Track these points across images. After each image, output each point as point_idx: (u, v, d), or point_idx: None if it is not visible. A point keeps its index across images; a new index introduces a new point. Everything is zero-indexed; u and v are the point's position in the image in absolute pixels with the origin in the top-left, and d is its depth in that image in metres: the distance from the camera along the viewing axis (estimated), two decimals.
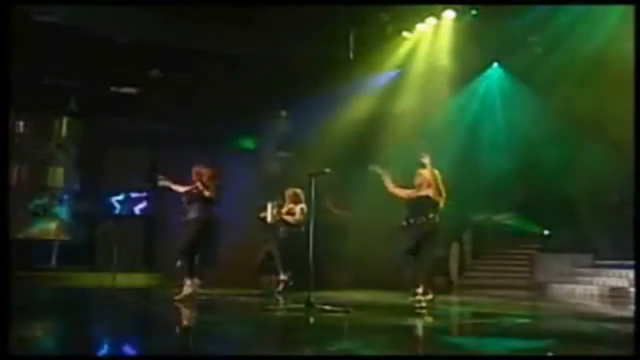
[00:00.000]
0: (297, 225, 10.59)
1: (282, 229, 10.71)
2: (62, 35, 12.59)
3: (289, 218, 10.66)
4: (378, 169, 8.75)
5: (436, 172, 8.50)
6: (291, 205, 10.77)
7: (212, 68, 14.50)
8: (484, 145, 15.07)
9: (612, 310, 9.77)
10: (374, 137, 15.62)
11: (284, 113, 16.40)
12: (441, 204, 8.37)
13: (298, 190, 10.79)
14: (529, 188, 14.52)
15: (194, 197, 8.91)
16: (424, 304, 8.08)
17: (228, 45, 14.02)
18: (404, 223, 8.38)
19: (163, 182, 9.23)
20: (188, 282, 8.80)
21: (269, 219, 10.71)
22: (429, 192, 8.33)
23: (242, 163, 14.75)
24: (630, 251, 10.48)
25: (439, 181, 8.40)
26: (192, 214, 8.90)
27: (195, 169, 9.05)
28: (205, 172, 9.05)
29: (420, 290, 8.26)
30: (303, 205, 10.61)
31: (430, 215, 8.25)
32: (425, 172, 8.46)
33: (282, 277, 10.41)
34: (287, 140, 16.48)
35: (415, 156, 8.64)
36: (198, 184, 8.86)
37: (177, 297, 8.72)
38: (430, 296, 8.24)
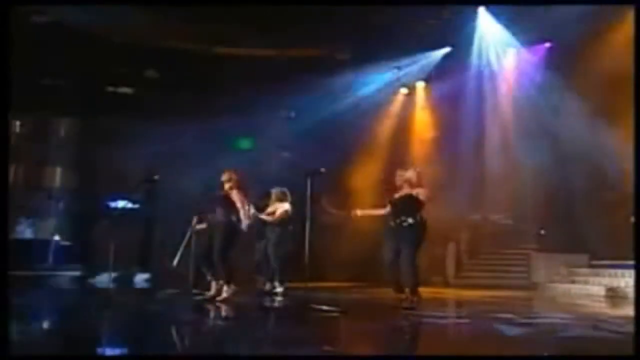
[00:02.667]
0: (277, 224, 10.56)
1: (268, 229, 10.70)
2: (60, 35, 12.59)
3: (265, 217, 10.65)
4: (359, 213, 8.69)
5: (419, 170, 8.47)
6: (277, 205, 10.78)
7: (211, 68, 14.51)
8: (481, 145, 15.13)
9: (609, 310, 9.80)
10: (372, 138, 15.72)
11: (283, 113, 16.43)
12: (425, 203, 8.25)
13: (283, 190, 10.82)
14: (526, 188, 14.54)
15: (221, 200, 8.89)
16: (412, 306, 8.03)
17: (227, 46, 14.06)
18: (391, 224, 8.28)
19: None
20: (225, 287, 8.79)
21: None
22: (412, 191, 8.24)
23: (240, 163, 14.75)
24: (626, 251, 10.52)
25: (423, 180, 8.34)
26: (219, 217, 8.88)
27: (229, 173, 9.04)
28: (235, 175, 9.06)
29: (404, 295, 8.16)
30: (285, 205, 10.61)
31: (417, 216, 8.16)
32: (407, 172, 8.41)
33: (278, 288, 10.39)
34: (285, 140, 16.52)
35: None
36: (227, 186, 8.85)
37: (218, 299, 8.71)
38: (416, 298, 8.16)
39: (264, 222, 10.68)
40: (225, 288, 8.79)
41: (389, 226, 8.26)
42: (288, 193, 10.80)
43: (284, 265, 10.53)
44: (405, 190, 8.23)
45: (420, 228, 8.14)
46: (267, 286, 10.58)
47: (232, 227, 8.86)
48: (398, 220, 8.14)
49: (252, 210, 10.71)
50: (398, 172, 8.48)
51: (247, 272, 11.19)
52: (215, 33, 13.77)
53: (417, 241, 8.12)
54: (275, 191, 10.92)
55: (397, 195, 8.31)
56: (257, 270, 10.94)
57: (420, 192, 8.16)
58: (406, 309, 7.90)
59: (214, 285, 8.96)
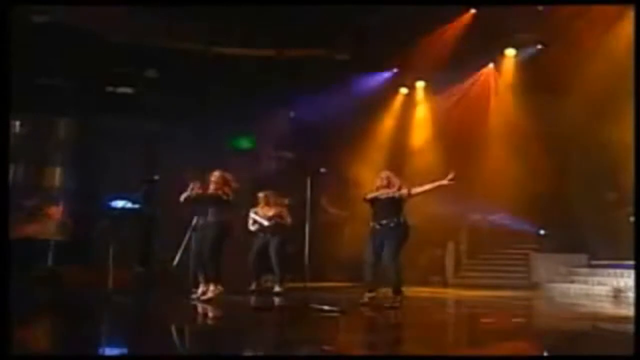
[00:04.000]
0: (279, 226, 10.64)
1: (269, 231, 10.74)
2: (60, 35, 12.59)
3: (280, 221, 10.71)
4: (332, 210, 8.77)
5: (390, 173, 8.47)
6: (266, 208, 10.84)
7: (211, 68, 14.51)
8: (481, 145, 15.12)
9: (608, 310, 9.80)
10: (372, 138, 15.71)
11: (283, 113, 16.43)
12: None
13: (268, 193, 10.89)
14: (526, 188, 14.54)
15: (212, 200, 8.88)
16: (396, 304, 8.02)
17: (227, 45, 14.06)
18: (377, 226, 8.25)
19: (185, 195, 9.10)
20: (212, 287, 8.76)
21: (265, 223, 10.76)
22: (393, 192, 8.21)
23: (241, 163, 14.74)
24: (625, 251, 10.53)
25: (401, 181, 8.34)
26: (211, 217, 8.87)
27: (217, 174, 9.01)
28: (225, 175, 9.02)
29: (373, 294, 8.15)
30: (282, 208, 10.66)
31: (399, 217, 8.14)
32: (387, 173, 8.40)
33: (277, 288, 10.43)
34: (285, 140, 16.52)
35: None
36: (223, 189, 8.84)
37: (202, 298, 8.72)
38: (399, 297, 8.14)
39: (265, 225, 10.72)
40: (211, 288, 8.75)
41: (371, 228, 8.30)
42: (274, 196, 10.87)
43: (284, 266, 10.56)
44: (386, 191, 8.24)
45: (401, 229, 8.15)
46: (269, 285, 10.61)
47: (222, 227, 8.85)
48: (380, 222, 8.15)
49: (255, 217, 10.80)
50: (380, 172, 8.49)
51: (244, 273, 11.22)
52: (215, 33, 13.77)
53: (399, 242, 8.12)
54: (261, 195, 10.97)
55: (378, 197, 8.31)
56: (254, 270, 10.95)
57: (403, 193, 8.16)
58: (390, 308, 7.91)
59: (201, 285, 8.94)
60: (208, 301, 8.56)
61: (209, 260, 8.79)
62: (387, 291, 8.24)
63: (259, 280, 10.74)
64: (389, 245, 8.06)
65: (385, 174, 8.45)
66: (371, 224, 8.31)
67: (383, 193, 8.26)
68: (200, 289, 8.90)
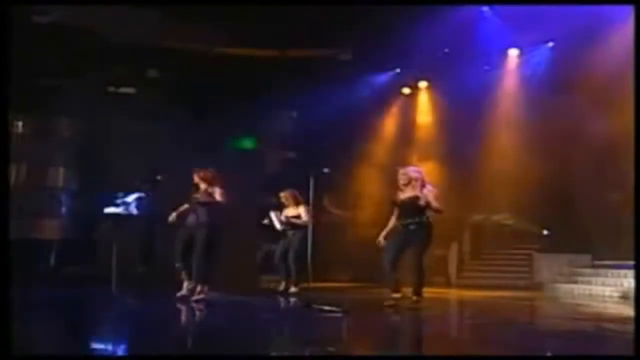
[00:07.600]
0: (305, 226, 10.52)
1: (290, 231, 10.69)
2: (61, 35, 12.60)
3: (298, 221, 10.62)
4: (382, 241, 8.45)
5: (422, 170, 8.36)
6: (294, 208, 10.75)
7: (213, 68, 14.49)
8: (484, 145, 15.10)
9: (611, 310, 9.77)
10: (375, 138, 15.68)
11: (284, 113, 16.42)
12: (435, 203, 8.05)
13: (295, 192, 10.76)
14: (529, 188, 14.51)
15: (202, 200, 8.77)
16: (415, 306, 7.94)
17: (228, 46, 14.05)
18: (400, 227, 8.14)
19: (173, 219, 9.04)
20: (205, 287, 8.68)
21: (278, 227, 10.72)
22: (418, 191, 8.09)
23: (242, 163, 14.74)
24: (628, 251, 10.49)
25: (426, 179, 8.22)
26: (202, 217, 8.75)
27: (200, 173, 8.90)
28: (210, 174, 8.90)
29: (398, 295, 8.05)
30: (305, 206, 10.55)
31: (424, 217, 8.02)
32: (411, 171, 8.28)
33: (294, 289, 10.37)
34: (287, 140, 16.51)
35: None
36: (203, 186, 8.75)
37: (194, 298, 8.65)
38: (419, 298, 8.05)
39: (291, 225, 10.65)
40: (198, 288, 8.63)
41: (395, 227, 8.17)
42: (297, 194, 10.72)
43: (300, 266, 10.46)
44: (411, 191, 8.11)
45: (427, 229, 8.03)
46: (282, 286, 10.59)
47: (215, 227, 8.71)
48: (405, 222, 8.03)
49: (281, 216, 10.75)
50: (401, 171, 8.32)
51: (244, 273, 11.21)
52: (217, 33, 13.76)
53: (425, 243, 8.03)
54: (285, 194, 10.87)
55: (402, 196, 8.17)
56: (259, 270, 10.93)
57: (428, 193, 8.02)
58: (410, 309, 7.86)
59: (185, 284, 8.82)
60: (198, 302, 8.47)
61: (201, 261, 8.62)
62: (407, 291, 8.11)
63: (295, 280, 10.53)
64: (411, 247, 7.96)
65: (403, 170, 8.29)
66: (396, 223, 8.18)
67: (408, 194, 8.11)
68: (185, 288, 8.75)
